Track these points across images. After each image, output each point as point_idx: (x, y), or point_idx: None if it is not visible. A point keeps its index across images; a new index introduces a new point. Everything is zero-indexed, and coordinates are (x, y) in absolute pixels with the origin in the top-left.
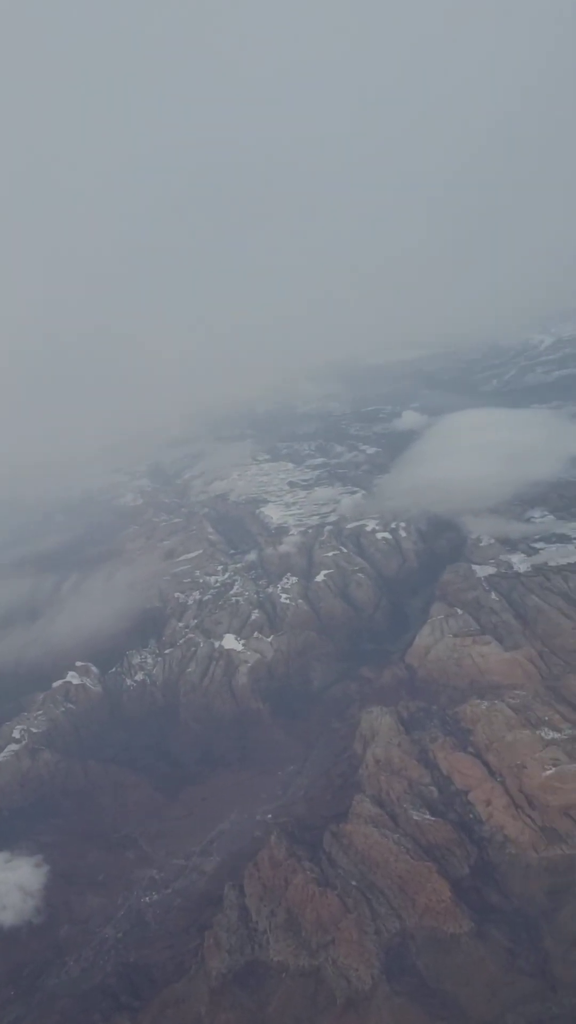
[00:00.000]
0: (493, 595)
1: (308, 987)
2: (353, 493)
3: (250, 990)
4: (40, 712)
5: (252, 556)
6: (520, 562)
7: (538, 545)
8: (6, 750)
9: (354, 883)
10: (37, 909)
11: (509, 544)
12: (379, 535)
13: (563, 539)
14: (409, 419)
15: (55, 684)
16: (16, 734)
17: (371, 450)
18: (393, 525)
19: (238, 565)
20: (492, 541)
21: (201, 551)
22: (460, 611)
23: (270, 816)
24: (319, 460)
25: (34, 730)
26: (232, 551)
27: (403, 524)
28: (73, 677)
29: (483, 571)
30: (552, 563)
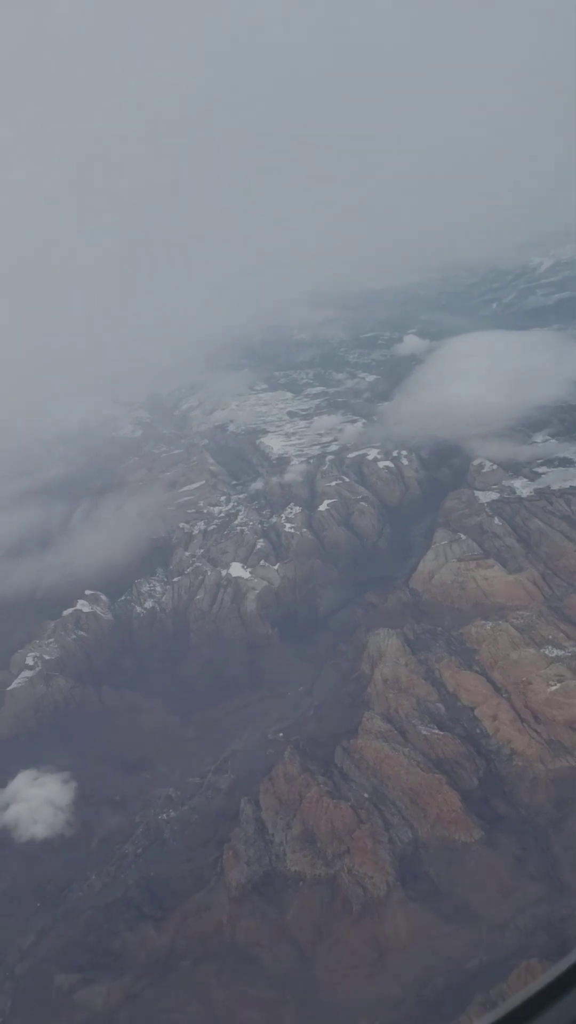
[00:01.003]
0: (496, 520)
1: (325, 895)
2: (354, 422)
3: (269, 899)
4: (52, 640)
5: (255, 487)
6: (523, 487)
7: (541, 469)
8: (20, 676)
9: (366, 795)
10: (68, 823)
11: (512, 469)
12: (381, 464)
13: (566, 463)
14: (411, 344)
15: (65, 612)
16: (29, 661)
17: (371, 377)
18: (395, 453)
19: (241, 496)
20: (495, 467)
21: (203, 482)
22: (463, 536)
23: (282, 735)
24: (318, 389)
25: (47, 657)
26: (234, 482)
27: (405, 452)
28: (83, 605)
29: (486, 497)
30: (555, 487)
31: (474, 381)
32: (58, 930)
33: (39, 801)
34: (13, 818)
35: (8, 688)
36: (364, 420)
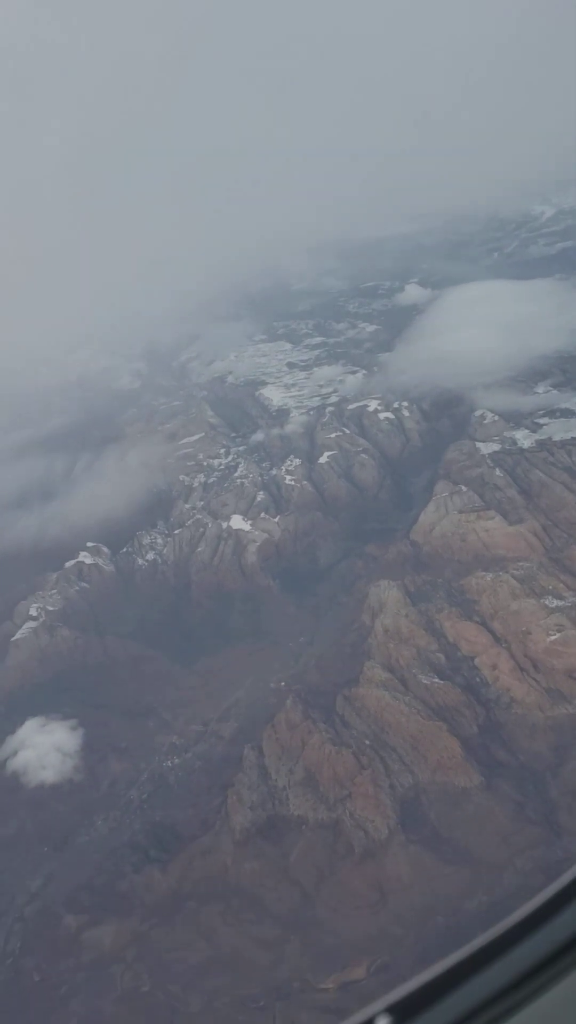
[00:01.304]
0: (497, 471)
1: (327, 838)
2: (354, 373)
3: (272, 842)
4: (54, 591)
5: (254, 439)
6: (524, 438)
7: (542, 420)
8: (24, 627)
9: (367, 742)
10: (76, 769)
11: (513, 420)
12: (381, 415)
13: (567, 414)
14: (412, 293)
15: (68, 564)
16: (33, 612)
17: (371, 327)
18: (396, 405)
19: (240, 448)
20: (496, 418)
21: (202, 434)
22: (464, 488)
23: (283, 684)
24: (318, 339)
25: (50, 608)
26: (233, 434)
27: (406, 404)
28: (85, 557)
29: (487, 448)
30: (556, 438)
31: (476, 331)
32: (65, 873)
33: (47, 747)
34: (22, 764)
35: (12, 639)
36: (364, 371)
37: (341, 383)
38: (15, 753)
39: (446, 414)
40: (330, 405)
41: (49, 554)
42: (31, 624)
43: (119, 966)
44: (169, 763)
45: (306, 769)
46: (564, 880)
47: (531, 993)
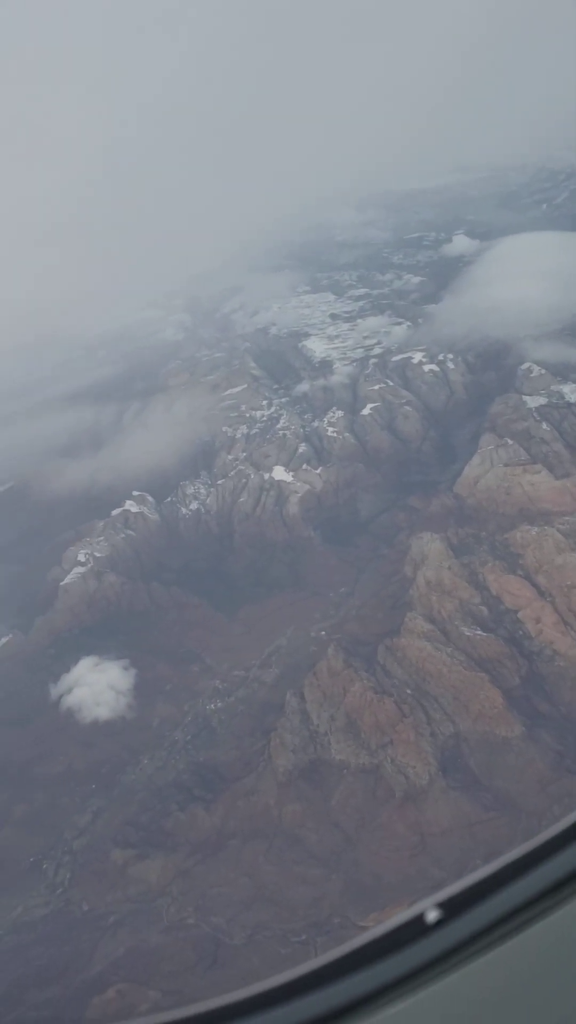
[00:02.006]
0: (544, 425)
1: (368, 782)
2: (398, 324)
3: (314, 785)
4: (101, 538)
5: (298, 390)
6: (571, 392)
7: None
8: (73, 572)
9: (409, 691)
10: (129, 706)
11: (560, 374)
12: (426, 367)
13: None
14: (460, 244)
15: (114, 512)
16: (81, 558)
17: (417, 279)
18: (440, 357)
19: (283, 400)
20: (543, 372)
21: (245, 386)
22: (510, 441)
23: (324, 633)
24: (361, 291)
25: (98, 554)
26: (276, 386)
27: (451, 356)
28: (131, 506)
29: (534, 402)
30: None
31: (525, 282)
32: (112, 810)
33: (102, 686)
34: (77, 701)
35: (61, 583)
36: (409, 322)
37: (386, 334)
38: (70, 690)
39: (492, 367)
40: (373, 357)
41: (96, 502)
42: (79, 570)
43: (165, 899)
44: (212, 706)
45: (347, 716)
46: None
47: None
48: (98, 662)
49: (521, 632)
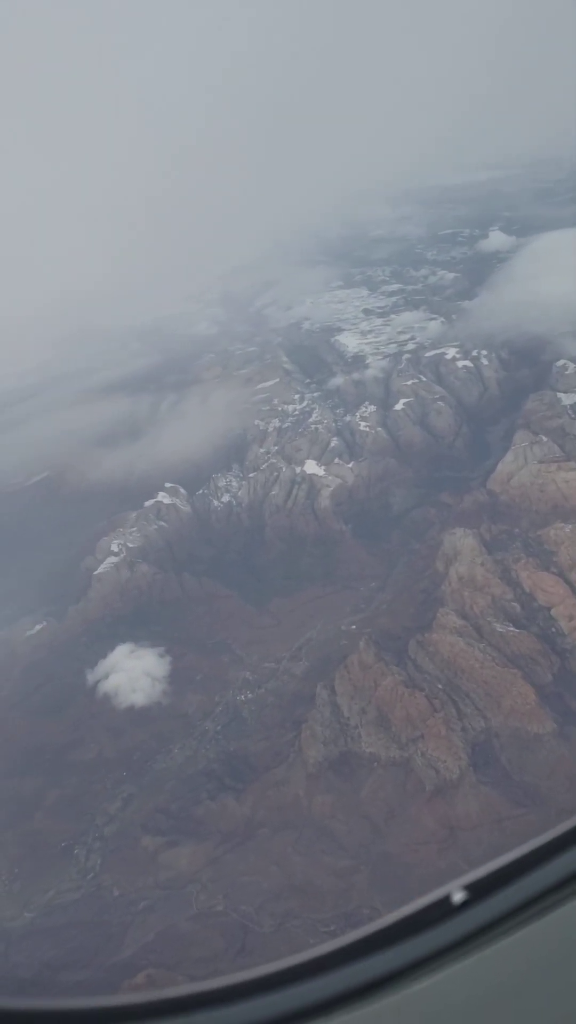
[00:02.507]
0: None
1: (398, 775)
2: (432, 320)
3: (344, 777)
4: (134, 529)
5: (331, 384)
6: None
7: None
8: (106, 562)
9: (440, 686)
10: (164, 693)
11: None
12: (459, 363)
13: None
14: (495, 240)
15: (147, 503)
16: (114, 548)
17: (451, 275)
18: (474, 353)
19: (315, 394)
20: None
21: (277, 380)
22: (545, 439)
23: (354, 627)
24: (395, 286)
25: (130, 545)
26: (308, 380)
27: (484, 352)
28: (164, 497)
29: (568, 399)
30: None
31: (561, 279)
32: (143, 797)
33: (137, 672)
34: (113, 686)
35: (95, 572)
36: (443, 318)
37: (420, 330)
38: (107, 676)
39: (526, 363)
40: (407, 352)
41: (129, 493)
42: (112, 559)
43: (194, 886)
44: (242, 697)
45: (378, 709)
46: None
47: None
48: (134, 649)
49: (554, 629)
